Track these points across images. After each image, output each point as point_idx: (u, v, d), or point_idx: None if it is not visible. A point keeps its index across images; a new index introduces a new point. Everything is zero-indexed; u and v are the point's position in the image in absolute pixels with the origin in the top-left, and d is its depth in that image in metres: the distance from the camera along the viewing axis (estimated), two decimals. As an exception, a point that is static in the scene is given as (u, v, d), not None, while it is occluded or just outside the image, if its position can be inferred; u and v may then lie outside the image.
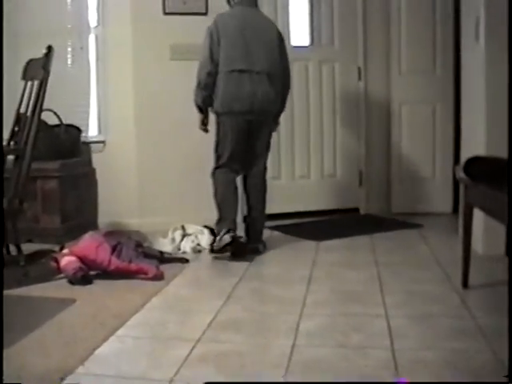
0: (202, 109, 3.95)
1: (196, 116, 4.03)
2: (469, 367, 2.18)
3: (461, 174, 3.01)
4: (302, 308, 2.89)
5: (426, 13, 5.09)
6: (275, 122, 4.13)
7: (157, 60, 4.76)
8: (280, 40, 3.95)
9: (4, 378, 1.97)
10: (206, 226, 4.19)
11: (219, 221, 3.90)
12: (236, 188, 3.94)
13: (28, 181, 3.48)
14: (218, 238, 3.83)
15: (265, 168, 4.04)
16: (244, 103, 3.79)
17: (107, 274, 3.38)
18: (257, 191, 4.00)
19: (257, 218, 4.01)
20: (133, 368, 2.29)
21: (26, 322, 2.67)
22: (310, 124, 5.20)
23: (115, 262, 3.38)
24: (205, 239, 4.09)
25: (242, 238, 3.93)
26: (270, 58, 3.85)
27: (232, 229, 3.81)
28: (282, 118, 4.75)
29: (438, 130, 5.18)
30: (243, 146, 3.89)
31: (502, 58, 3.38)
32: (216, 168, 3.94)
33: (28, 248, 3.63)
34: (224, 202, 3.89)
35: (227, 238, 3.76)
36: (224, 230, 3.80)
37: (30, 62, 3.66)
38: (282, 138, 5.08)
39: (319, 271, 3.54)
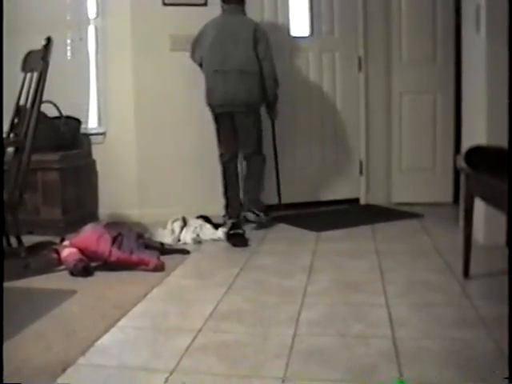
0: None
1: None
2: (470, 356, 2.18)
3: (462, 164, 3.00)
4: (303, 298, 2.89)
5: (427, 2, 5.06)
6: (272, 111, 4.60)
7: (156, 51, 4.75)
8: (255, 42, 4.27)
9: (5, 370, 1.97)
10: (201, 216, 4.25)
11: (226, 206, 4.53)
12: (237, 176, 4.56)
13: (28, 173, 3.48)
14: (227, 223, 4.29)
15: (257, 152, 4.48)
16: (217, 97, 4.34)
17: (108, 265, 3.39)
18: (249, 170, 4.52)
19: (249, 189, 4.51)
20: (134, 358, 2.29)
21: (27, 314, 2.67)
22: (310, 114, 5.19)
23: (116, 254, 3.39)
24: (207, 231, 4.13)
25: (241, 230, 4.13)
26: (245, 58, 4.25)
27: (234, 217, 4.37)
28: (283, 109, 4.75)
29: (438, 120, 5.17)
30: (231, 132, 4.45)
31: (503, 47, 3.36)
32: (220, 155, 4.52)
33: (29, 240, 3.64)
34: (227, 192, 4.53)
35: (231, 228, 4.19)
36: (228, 220, 4.33)
37: (29, 54, 3.64)
38: (284, 129, 5.07)
39: (320, 261, 3.55)
